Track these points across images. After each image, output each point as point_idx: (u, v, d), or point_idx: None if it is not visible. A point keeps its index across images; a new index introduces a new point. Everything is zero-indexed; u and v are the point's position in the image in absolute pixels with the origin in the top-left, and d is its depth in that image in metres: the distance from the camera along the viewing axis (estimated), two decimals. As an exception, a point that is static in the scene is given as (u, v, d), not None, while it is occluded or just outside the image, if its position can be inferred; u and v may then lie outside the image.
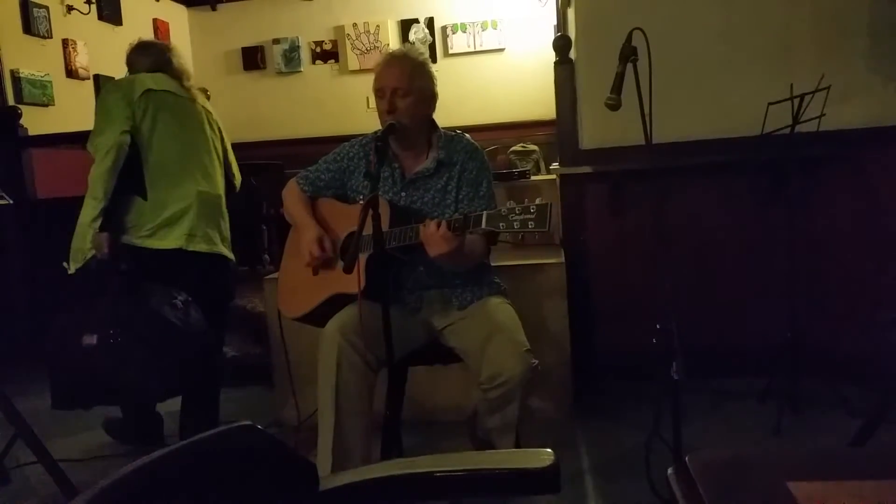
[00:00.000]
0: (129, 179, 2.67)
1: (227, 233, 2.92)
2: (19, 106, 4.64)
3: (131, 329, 2.49)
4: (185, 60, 2.98)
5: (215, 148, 2.92)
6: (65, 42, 5.37)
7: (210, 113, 2.94)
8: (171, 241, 2.69)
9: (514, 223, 1.81)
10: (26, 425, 2.42)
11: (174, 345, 2.52)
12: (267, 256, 5.11)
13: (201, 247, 2.74)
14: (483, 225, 1.86)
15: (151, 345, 2.50)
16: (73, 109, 5.31)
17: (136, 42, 2.98)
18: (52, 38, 5.22)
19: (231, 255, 2.90)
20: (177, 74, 2.85)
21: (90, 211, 2.61)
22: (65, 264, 2.67)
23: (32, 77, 4.96)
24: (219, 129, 2.99)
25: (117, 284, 2.59)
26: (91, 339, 2.47)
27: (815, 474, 0.81)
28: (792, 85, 2.69)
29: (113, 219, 2.67)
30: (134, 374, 2.49)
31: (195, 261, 2.74)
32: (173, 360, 2.53)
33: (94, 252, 2.59)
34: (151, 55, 2.87)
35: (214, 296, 2.85)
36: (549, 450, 0.88)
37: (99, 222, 2.61)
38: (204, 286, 2.75)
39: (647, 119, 2.10)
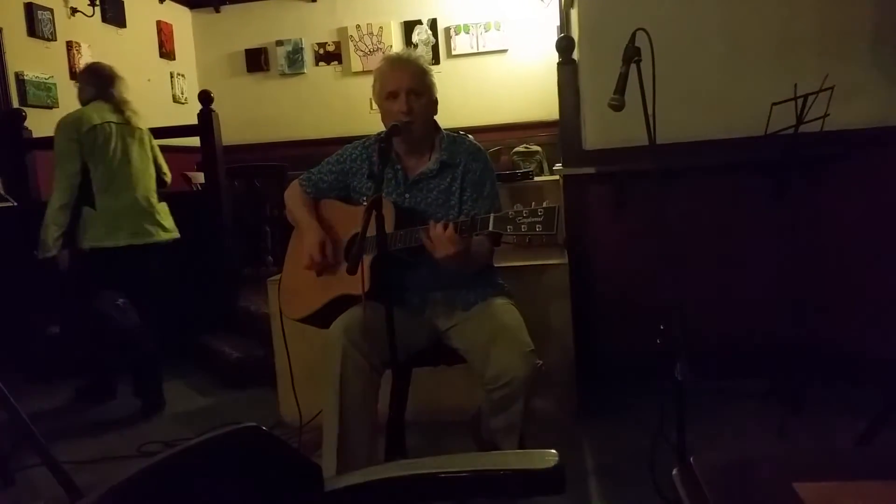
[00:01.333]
0: (80, 195, 3.37)
1: (165, 220, 3.62)
2: (24, 108, 4.66)
3: (86, 324, 3.55)
4: (126, 88, 3.59)
5: (146, 158, 3.61)
6: (69, 44, 5.39)
7: (143, 130, 3.60)
8: (122, 238, 3.40)
9: (522, 226, 1.81)
10: (30, 428, 2.43)
11: (116, 337, 3.43)
12: (270, 258, 5.12)
13: (145, 240, 3.48)
14: (490, 227, 1.86)
15: (98, 337, 3.51)
16: (77, 111, 5.32)
17: (87, 65, 3.66)
18: (56, 40, 5.24)
19: (177, 234, 3.66)
20: (118, 106, 3.48)
21: (53, 232, 3.31)
22: (35, 252, 3.36)
23: (37, 79, 4.97)
24: (150, 141, 3.68)
25: (72, 288, 3.52)
26: (55, 329, 3.78)
27: (821, 475, 0.80)
28: (796, 85, 2.69)
29: (74, 231, 3.40)
30: (85, 357, 3.64)
31: (143, 252, 3.48)
32: (114, 347, 3.49)
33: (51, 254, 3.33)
34: (96, 85, 3.49)
35: (159, 276, 3.65)
36: (553, 451, 0.88)
37: (61, 241, 3.34)
38: (150, 270, 3.58)
39: (651, 119, 2.10)
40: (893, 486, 0.80)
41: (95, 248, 3.37)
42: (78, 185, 3.34)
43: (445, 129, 2.31)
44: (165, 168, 3.86)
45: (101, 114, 3.41)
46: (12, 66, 4.82)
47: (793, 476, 0.77)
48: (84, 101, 3.50)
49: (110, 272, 3.43)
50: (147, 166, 3.59)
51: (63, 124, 3.39)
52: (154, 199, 3.59)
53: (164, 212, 3.62)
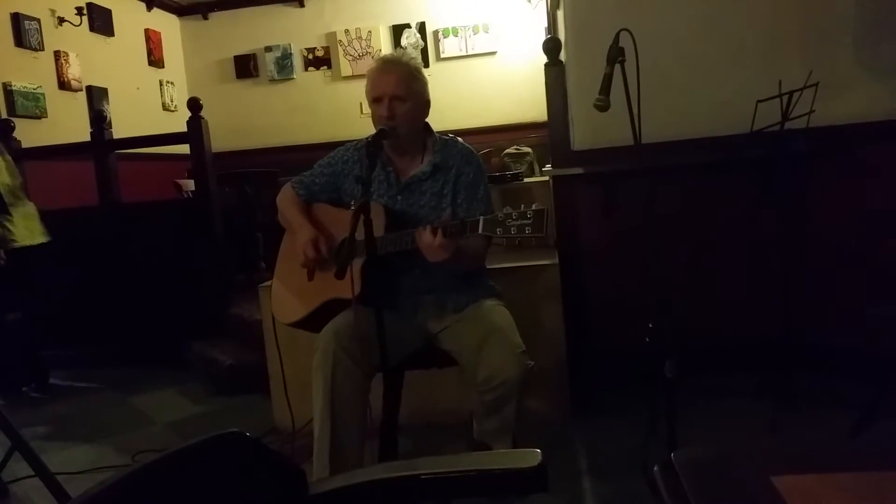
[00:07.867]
0: None
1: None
2: (12, 119, 4.64)
3: None
4: None
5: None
6: (56, 54, 5.38)
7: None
8: (37, 237, 3.96)
9: (511, 228, 1.82)
10: (22, 438, 2.42)
11: None
12: (262, 264, 5.11)
13: (47, 238, 4.05)
14: (480, 230, 1.87)
15: None
16: (65, 121, 5.32)
17: None
18: (43, 50, 5.23)
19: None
20: None
21: None
22: None
23: (25, 89, 4.96)
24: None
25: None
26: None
27: (800, 468, 0.81)
28: (780, 82, 2.70)
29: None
30: None
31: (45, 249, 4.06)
32: None
33: None
34: None
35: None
36: (537, 450, 0.89)
37: None
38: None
39: (636, 119, 2.10)
40: (872, 477, 0.80)
41: (24, 246, 3.92)
42: None
43: (438, 132, 2.31)
44: None
45: None
46: (0, 77, 4.82)
47: (772, 469, 0.78)
48: None
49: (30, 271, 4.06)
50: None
51: None
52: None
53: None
